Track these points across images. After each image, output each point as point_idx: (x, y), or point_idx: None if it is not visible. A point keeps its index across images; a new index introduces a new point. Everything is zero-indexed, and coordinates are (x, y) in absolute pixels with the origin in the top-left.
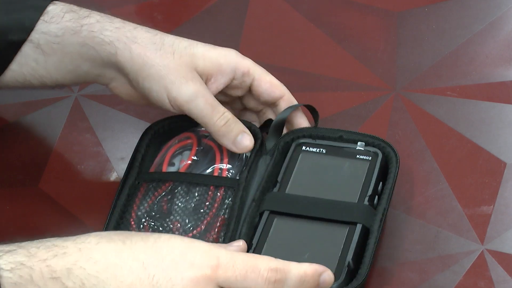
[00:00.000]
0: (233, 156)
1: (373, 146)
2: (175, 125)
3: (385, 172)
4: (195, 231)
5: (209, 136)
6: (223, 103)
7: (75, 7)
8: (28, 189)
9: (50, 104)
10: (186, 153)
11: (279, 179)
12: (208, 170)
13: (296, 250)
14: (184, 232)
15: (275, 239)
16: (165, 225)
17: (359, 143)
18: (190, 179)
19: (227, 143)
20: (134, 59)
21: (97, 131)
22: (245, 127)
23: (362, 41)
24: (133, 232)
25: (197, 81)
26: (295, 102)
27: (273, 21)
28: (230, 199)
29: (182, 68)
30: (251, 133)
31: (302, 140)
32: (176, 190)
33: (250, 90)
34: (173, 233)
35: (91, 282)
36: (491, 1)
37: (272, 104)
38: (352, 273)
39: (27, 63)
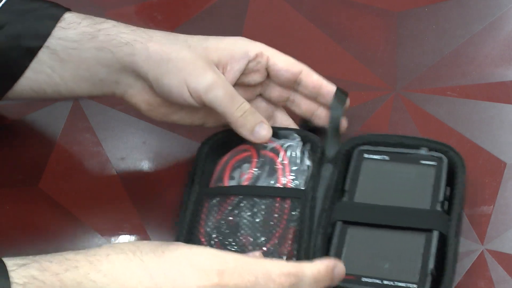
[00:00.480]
0: (295, 167)
1: (436, 151)
2: (231, 138)
3: (450, 176)
4: (268, 245)
5: (268, 147)
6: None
7: (90, 16)
8: (28, 189)
9: (50, 104)
10: (245, 166)
11: (346, 188)
12: (272, 182)
13: (375, 261)
14: (258, 247)
15: (352, 250)
16: (237, 240)
17: (422, 148)
18: (255, 192)
19: (245, 133)
20: (151, 56)
21: (97, 131)
22: (263, 118)
23: (362, 41)
24: (145, 242)
25: (215, 71)
26: (316, 75)
27: (273, 21)
28: (297, 210)
29: (198, 60)
30: (310, 142)
31: (363, 148)
32: (241, 204)
33: (268, 76)
34: (246, 248)
35: None
36: (491, 1)
37: (294, 83)
38: (436, 281)
39: (43, 70)
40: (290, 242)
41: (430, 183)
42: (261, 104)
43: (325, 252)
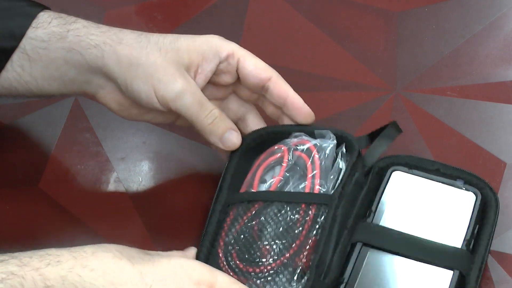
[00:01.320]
0: (326, 170)
1: (471, 185)
2: (267, 137)
3: (482, 214)
4: (286, 255)
5: (301, 147)
6: (218, 100)
7: (63, 14)
8: (28, 189)
9: (50, 104)
10: (278, 168)
11: (373, 208)
12: (301, 186)
13: None
14: (273, 259)
15: (368, 275)
16: (252, 251)
17: (458, 180)
18: (279, 198)
19: (214, 140)
20: (121, 60)
21: (97, 131)
22: (233, 124)
23: (362, 41)
24: (132, 249)
25: (185, 78)
26: (284, 84)
27: (273, 21)
28: (322, 217)
29: (169, 65)
30: (346, 142)
31: (398, 168)
32: (265, 211)
33: (238, 78)
34: (262, 261)
35: None
36: (491, 1)
37: (262, 88)
38: None
39: (13, 68)
40: (308, 253)
41: (459, 219)
42: (233, 104)
43: (340, 271)
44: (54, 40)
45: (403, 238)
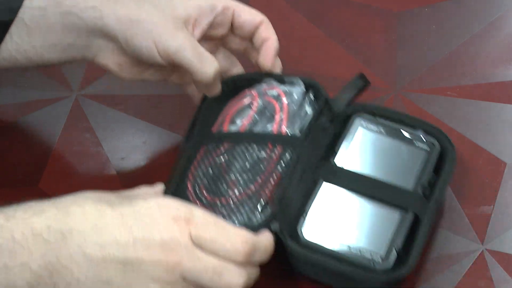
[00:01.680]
0: (293, 113)
1: (432, 135)
2: (240, 83)
3: (440, 163)
4: (251, 188)
5: (270, 93)
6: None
7: None
8: (28, 189)
9: (50, 104)
10: (247, 111)
11: (336, 150)
12: (269, 128)
13: (347, 225)
14: (239, 191)
15: (328, 211)
16: (220, 184)
17: (419, 130)
18: (248, 138)
19: (214, 91)
20: (120, 18)
21: (97, 131)
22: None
23: (362, 41)
24: (108, 193)
25: (183, 31)
26: (271, 28)
27: (273, 21)
28: (287, 156)
29: (167, 20)
30: (314, 89)
31: (363, 116)
32: (234, 149)
33: (232, 27)
34: (228, 193)
35: (72, 234)
36: (491, 1)
37: (253, 34)
38: (401, 258)
39: (12, 39)
40: (272, 186)
41: (418, 165)
42: (220, 57)
43: (301, 206)
44: (52, 7)
45: (363, 178)
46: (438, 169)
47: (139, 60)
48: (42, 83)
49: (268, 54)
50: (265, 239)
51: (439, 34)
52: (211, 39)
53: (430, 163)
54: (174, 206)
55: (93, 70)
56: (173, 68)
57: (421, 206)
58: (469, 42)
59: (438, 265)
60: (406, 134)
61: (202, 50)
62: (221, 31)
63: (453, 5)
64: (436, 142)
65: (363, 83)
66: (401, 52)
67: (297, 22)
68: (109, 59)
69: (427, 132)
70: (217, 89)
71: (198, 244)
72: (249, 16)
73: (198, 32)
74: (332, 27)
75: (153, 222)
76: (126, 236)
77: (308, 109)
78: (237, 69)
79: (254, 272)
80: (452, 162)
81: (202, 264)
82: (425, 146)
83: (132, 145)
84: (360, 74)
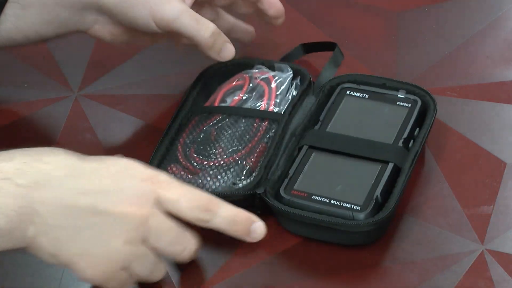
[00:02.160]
0: (281, 95)
1: (414, 94)
2: (232, 67)
3: (423, 118)
4: (238, 154)
5: (261, 77)
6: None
7: None
8: None
9: (50, 104)
10: (239, 92)
11: (321, 118)
12: (257, 106)
13: (328, 182)
14: (226, 155)
15: (310, 171)
16: (208, 148)
17: (400, 90)
18: (237, 112)
19: (213, 54)
20: None
21: (97, 131)
22: (227, 38)
23: (362, 41)
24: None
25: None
26: None
27: None
28: (273, 131)
29: None
30: (300, 74)
31: (347, 85)
32: (224, 122)
33: None
34: (216, 156)
35: (44, 180)
36: (491, 1)
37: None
38: (379, 207)
39: (7, 19)
40: (256, 155)
41: (399, 122)
42: (206, 11)
43: (285, 171)
44: None
45: (345, 139)
46: (421, 121)
47: (133, 29)
48: (42, 83)
49: (273, 3)
50: (228, 208)
51: (439, 34)
52: (212, 5)
53: (411, 117)
54: (142, 167)
55: (93, 70)
56: (166, 34)
57: (400, 156)
58: (469, 42)
59: (438, 265)
60: (389, 96)
61: (197, 15)
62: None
63: (453, 5)
64: (417, 99)
65: (341, 56)
66: (401, 52)
67: (297, 22)
68: (103, 31)
69: (409, 92)
70: (226, 54)
71: (163, 206)
72: None
73: (189, 1)
74: (332, 27)
75: (123, 178)
76: (98, 187)
77: (295, 92)
78: (223, 20)
79: (195, 244)
80: (432, 114)
81: (166, 225)
82: (406, 104)
83: (132, 145)
84: (336, 49)
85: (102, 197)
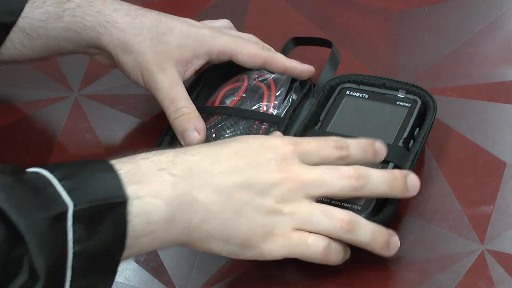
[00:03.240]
0: (280, 97)
1: (414, 94)
2: (231, 69)
3: (423, 118)
4: None
5: (260, 78)
6: None
7: None
8: None
9: (50, 104)
10: (238, 92)
11: (321, 118)
12: (255, 107)
13: None
14: None
15: None
16: None
17: (400, 90)
18: (237, 113)
19: (176, 134)
20: (115, 42)
21: (97, 131)
22: (200, 123)
23: (362, 41)
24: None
25: (165, 74)
26: (280, 58)
27: (273, 21)
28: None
29: (158, 56)
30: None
31: (347, 85)
32: (223, 123)
33: None
34: None
35: (198, 168)
36: (491, 1)
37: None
38: (380, 206)
39: (14, 46)
40: None
41: (399, 122)
42: None
43: None
44: (51, 20)
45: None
46: (421, 121)
47: None
48: (42, 83)
49: (302, 72)
50: (355, 139)
51: (439, 34)
52: None
53: (411, 117)
54: (278, 138)
55: (93, 70)
56: None
57: (400, 156)
58: (469, 42)
59: (438, 265)
60: (389, 96)
61: (175, 96)
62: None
63: (453, 5)
64: (417, 99)
65: (338, 56)
66: (401, 52)
67: (297, 22)
68: (104, 61)
69: (409, 92)
70: (188, 140)
71: (306, 160)
72: (248, 59)
73: (190, 71)
74: (332, 27)
75: (264, 151)
76: (244, 164)
77: (295, 96)
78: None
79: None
80: (432, 114)
81: (316, 173)
82: (406, 104)
83: (132, 145)
84: (332, 50)
85: (251, 171)
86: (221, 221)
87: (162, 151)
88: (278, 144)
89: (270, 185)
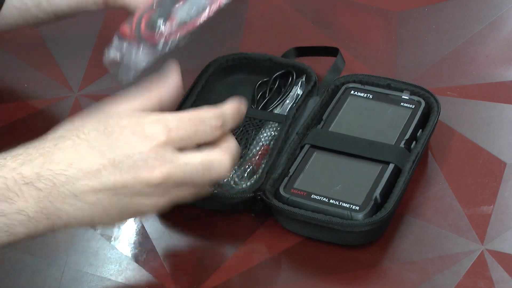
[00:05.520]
0: (284, 95)
1: (418, 96)
2: (237, 62)
3: (426, 120)
4: (243, 152)
5: None
6: None
7: None
8: None
9: (50, 104)
10: None
11: (324, 117)
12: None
13: (329, 182)
14: None
15: (311, 170)
16: None
17: (404, 91)
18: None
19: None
20: None
21: None
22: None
23: (362, 41)
24: (84, 123)
25: None
26: None
27: (273, 21)
28: (276, 132)
29: None
30: (306, 74)
31: (351, 85)
32: None
33: None
34: None
35: (60, 180)
36: (491, 1)
37: None
38: (379, 207)
39: None
40: (260, 156)
41: (402, 123)
42: None
43: (286, 169)
44: None
45: (348, 138)
46: (424, 122)
47: None
48: (42, 83)
49: None
50: (230, 105)
51: (439, 34)
52: None
53: (414, 119)
54: (148, 126)
55: (93, 70)
56: None
57: (401, 157)
58: (469, 42)
59: (438, 265)
60: (393, 97)
61: None
62: None
63: (453, 5)
64: (422, 100)
65: (342, 63)
66: (401, 52)
67: (297, 22)
68: None
69: (414, 93)
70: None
71: (181, 146)
72: None
73: None
74: (332, 27)
75: (132, 147)
76: (109, 165)
77: (299, 91)
78: None
79: (233, 145)
80: (435, 116)
81: (191, 166)
82: (410, 105)
83: None
84: (338, 55)
85: (117, 171)
86: (88, 221)
87: (29, 156)
88: (147, 134)
89: (136, 185)
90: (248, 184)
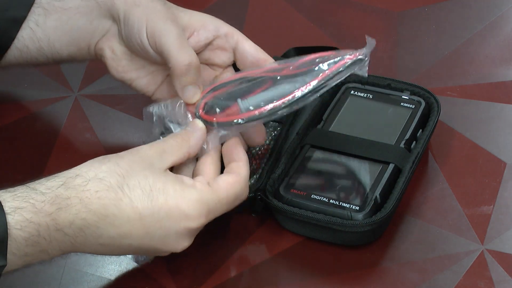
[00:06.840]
0: None
1: (419, 96)
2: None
3: (426, 120)
4: None
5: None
6: None
7: None
8: None
9: (50, 104)
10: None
11: (324, 117)
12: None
13: (329, 182)
14: None
15: (311, 170)
16: None
17: (405, 91)
18: None
19: (177, 85)
20: (127, 0)
21: (97, 131)
22: (200, 82)
23: (362, 41)
24: (130, 172)
25: (176, 25)
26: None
27: (273, 21)
28: (276, 132)
29: (167, 13)
30: None
31: (352, 85)
32: None
33: (234, 55)
34: None
35: (90, 230)
36: (491, 1)
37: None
38: (379, 207)
39: (27, 25)
40: (260, 156)
41: (402, 123)
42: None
43: (286, 169)
44: None
45: (348, 138)
46: (424, 122)
47: (130, 50)
48: (42, 83)
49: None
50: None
51: (439, 34)
52: (213, 66)
53: (414, 119)
54: (191, 206)
55: (93, 70)
56: (162, 75)
57: (401, 157)
58: (469, 42)
59: (438, 265)
60: (393, 97)
61: (184, 41)
62: (223, 58)
63: (453, 5)
64: (422, 101)
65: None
66: (401, 52)
67: (297, 22)
68: (107, 43)
69: (414, 93)
70: (188, 95)
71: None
72: (255, 51)
73: (192, 42)
74: (332, 27)
75: (169, 223)
76: (143, 230)
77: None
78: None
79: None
80: (435, 116)
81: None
82: (410, 105)
83: (132, 145)
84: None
85: (148, 239)
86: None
87: (68, 200)
88: (189, 214)
89: (169, 251)
90: (250, 183)
